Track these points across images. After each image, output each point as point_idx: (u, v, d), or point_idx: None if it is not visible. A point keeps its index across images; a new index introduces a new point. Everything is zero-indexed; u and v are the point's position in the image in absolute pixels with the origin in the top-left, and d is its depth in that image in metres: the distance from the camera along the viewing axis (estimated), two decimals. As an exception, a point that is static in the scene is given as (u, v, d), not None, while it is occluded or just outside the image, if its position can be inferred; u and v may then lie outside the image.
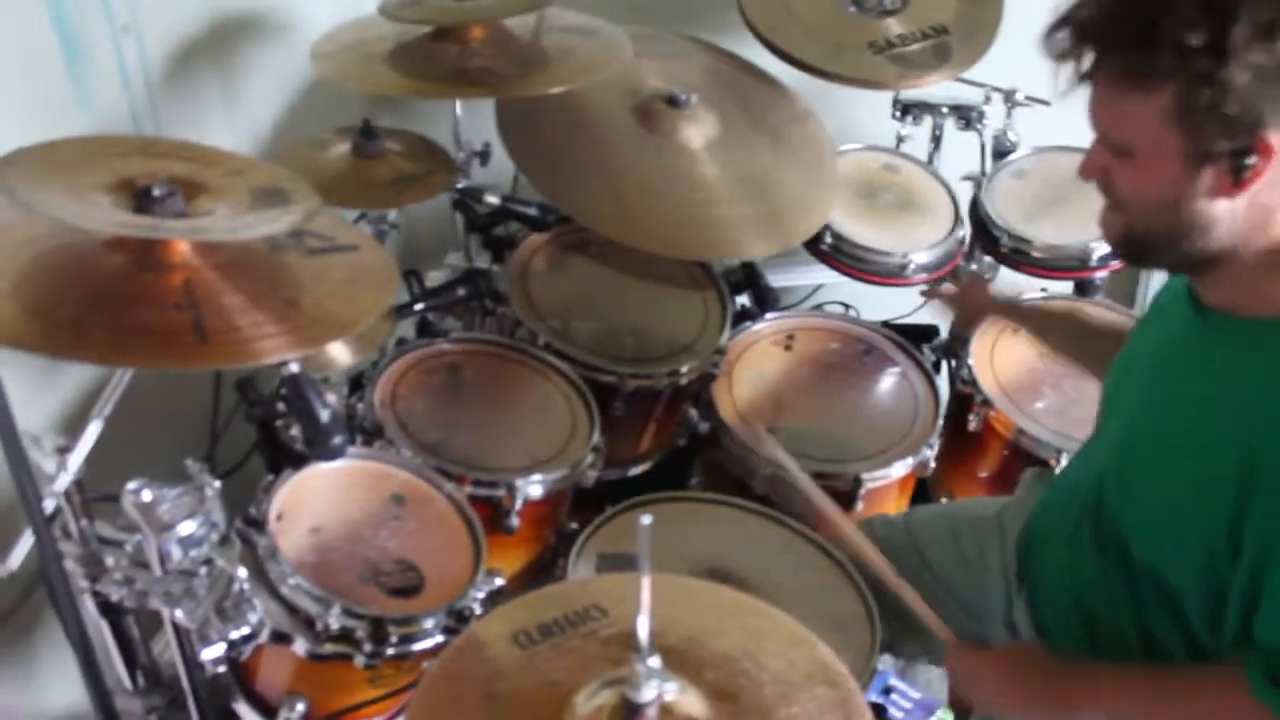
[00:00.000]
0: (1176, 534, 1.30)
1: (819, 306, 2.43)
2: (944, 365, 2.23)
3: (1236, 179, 1.16)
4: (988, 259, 2.30)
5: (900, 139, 2.38)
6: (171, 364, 1.18)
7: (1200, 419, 1.27)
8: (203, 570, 1.34)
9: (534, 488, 1.71)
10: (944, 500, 2.17)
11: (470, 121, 2.04)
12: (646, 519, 0.93)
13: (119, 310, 1.15)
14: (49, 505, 1.32)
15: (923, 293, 2.18)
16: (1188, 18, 1.10)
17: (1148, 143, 1.18)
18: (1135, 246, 1.29)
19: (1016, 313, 2.02)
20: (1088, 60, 1.18)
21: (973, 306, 2.04)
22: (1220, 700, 1.29)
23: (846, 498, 1.91)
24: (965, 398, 2.08)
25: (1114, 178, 1.25)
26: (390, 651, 1.41)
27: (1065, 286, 2.27)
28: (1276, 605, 1.22)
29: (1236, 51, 1.09)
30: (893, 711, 1.54)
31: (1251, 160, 1.14)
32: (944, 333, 2.29)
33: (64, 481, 1.32)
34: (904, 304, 2.40)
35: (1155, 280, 2.66)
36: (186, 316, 1.17)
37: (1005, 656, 1.50)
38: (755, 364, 2.10)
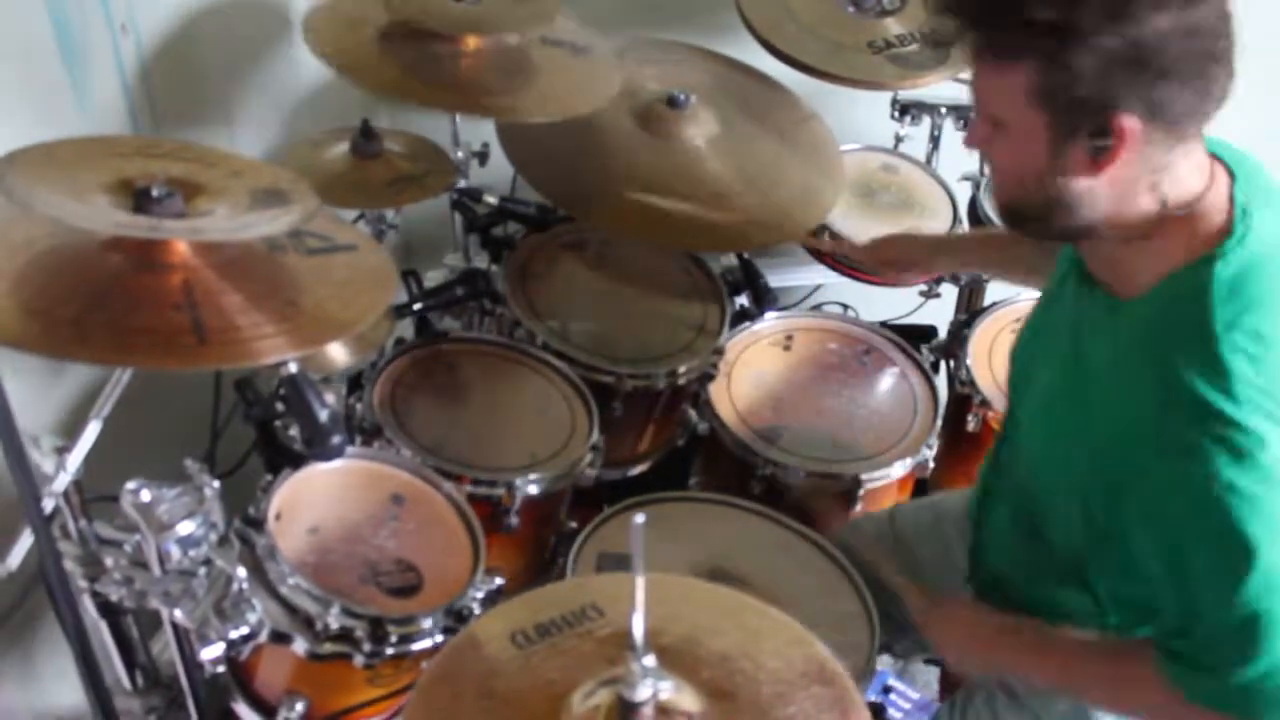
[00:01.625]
0: (1069, 509, 1.35)
1: (818, 307, 2.43)
2: (943, 365, 2.23)
3: (1094, 159, 1.17)
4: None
5: (899, 139, 2.38)
6: (170, 364, 1.18)
7: (1084, 393, 1.32)
8: (202, 570, 1.34)
9: (533, 487, 1.71)
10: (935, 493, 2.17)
11: (469, 122, 2.04)
12: (639, 518, 0.93)
13: (118, 310, 1.15)
14: (48, 505, 1.32)
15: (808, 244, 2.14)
16: None
17: (1016, 118, 1.20)
18: (1013, 217, 1.33)
19: (943, 246, 2.02)
20: (955, 30, 1.21)
21: (898, 259, 1.97)
22: (1136, 668, 1.32)
23: (846, 498, 1.91)
24: (964, 398, 2.08)
25: (991, 149, 1.28)
26: (389, 651, 1.41)
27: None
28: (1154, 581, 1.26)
29: (1084, 34, 1.10)
30: (891, 711, 1.55)
31: (1107, 142, 1.15)
32: (942, 332, 2.30)
33: (63, 481, 1.32)
34: (903, 304, 2.41)
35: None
36: (186, 317, 1.16)
37: (957, 608, 1.56)
38: (754, 364, 2.10)
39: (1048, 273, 1.50)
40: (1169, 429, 1.18)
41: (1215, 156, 1.24)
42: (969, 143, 1.33)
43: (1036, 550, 1.45)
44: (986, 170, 1.34)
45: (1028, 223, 1.31)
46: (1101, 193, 1.20)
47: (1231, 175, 1.24)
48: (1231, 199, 1.23)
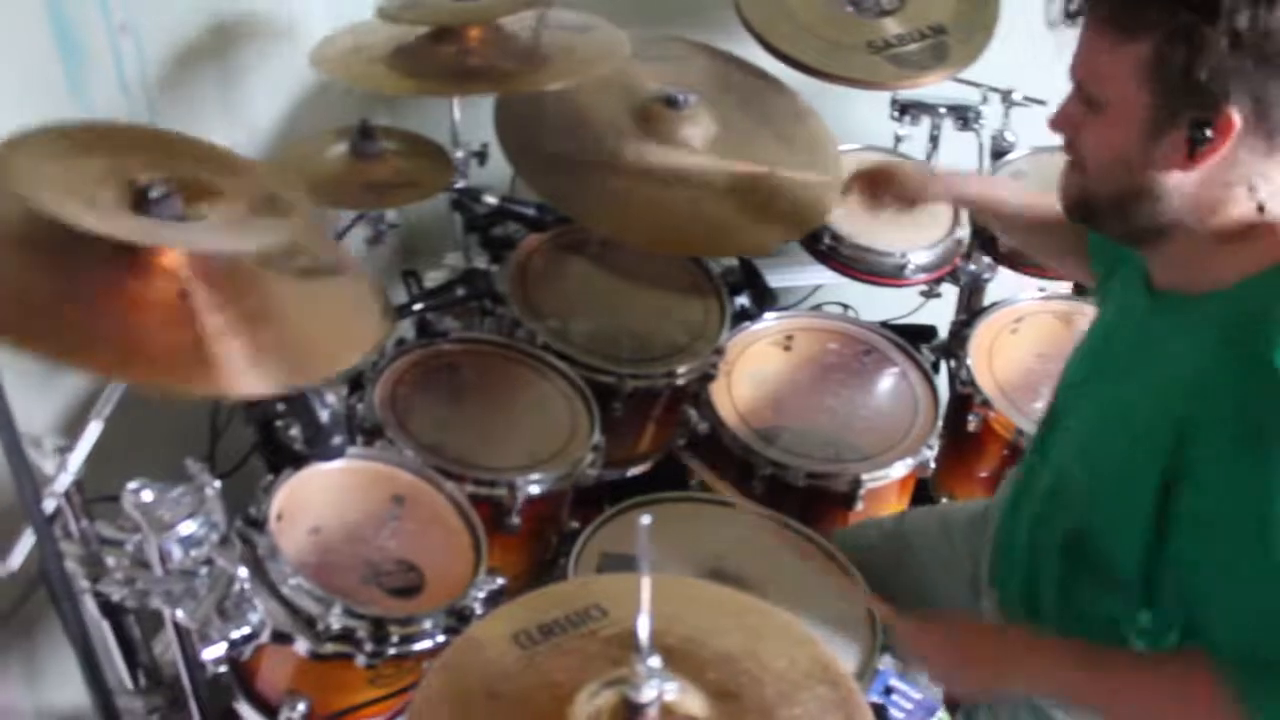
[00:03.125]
0: (1126, 521, 1.30)
1: (818, 307, 2.43)
2: (943, 366, 2.23)
3: (1191, 152, 1.15)
4: (986, 259, 2.30)
5: (898, 139, 2.38)
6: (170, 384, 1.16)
7: (1155, 402, 1.27)
8: (203, 570, 1.34)
9: (534, 487, 1.71)
10: (944, 501, 2.17)
11: (468, 122, 2.04)
12: (646, 519, 0.93)
13: (103, 316, 1.14)
14: (49, 505, 1.32)
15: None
16: None
17: (1118, 97, 1.18)
18: (1088, 209, 1.30)
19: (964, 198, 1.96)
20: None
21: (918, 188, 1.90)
22: (1184, 674, 1.27)
23: (846, 498, 1.91)
24: (964, 398, 2.08)
25: (1080, 132, 1.25)
26: (391, 651, 1.41)
27: (1064, 286, 2.28)
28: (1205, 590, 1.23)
29: (1224, 13, 1.08)
30: (894, 712, 1.54)
31: (1209, 134, 1.14)
32: (943, 332, 2.30)
33: (64, 482, 1.32)
34: (903, 304, 2.41)
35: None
36: (179, 335, 1.15)
37: (942, 623, 1.50)
38: (754, 364, 2.10)
39: (1079, 264, 1.48)
40: (1250, 416, 1.15)
41: None
42: (1055, 125, 1.29)
43: (1082, 564, 1.40)
44: (1066, 154, 1.29)
45: (1102, 216, 1.28)
46: (1189, 190, 1.18)
47: None
48: None
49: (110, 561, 1.38)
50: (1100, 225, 1.32)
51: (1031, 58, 2.23)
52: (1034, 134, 2.30)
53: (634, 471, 2.04)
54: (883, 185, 1.90)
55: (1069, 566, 1.43)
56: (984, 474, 2.10)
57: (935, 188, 1.88)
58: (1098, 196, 1.26)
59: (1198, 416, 1.19)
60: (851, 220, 2.18)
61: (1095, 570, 1.38)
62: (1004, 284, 2.35)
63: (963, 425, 2.07)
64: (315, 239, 1.38)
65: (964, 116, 2.33)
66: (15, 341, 1.08)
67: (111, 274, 1.17)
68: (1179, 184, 1.19)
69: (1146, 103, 1.16)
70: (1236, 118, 1.13)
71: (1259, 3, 1.08)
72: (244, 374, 1.16)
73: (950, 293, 2.36)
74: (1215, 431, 1.18)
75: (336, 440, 1.36)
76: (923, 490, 2.11)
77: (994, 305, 2.23)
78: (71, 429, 1.34)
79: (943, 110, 2.34)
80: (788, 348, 2.14)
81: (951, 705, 1.62)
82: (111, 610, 1.46)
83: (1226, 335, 1.20)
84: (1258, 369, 1.14)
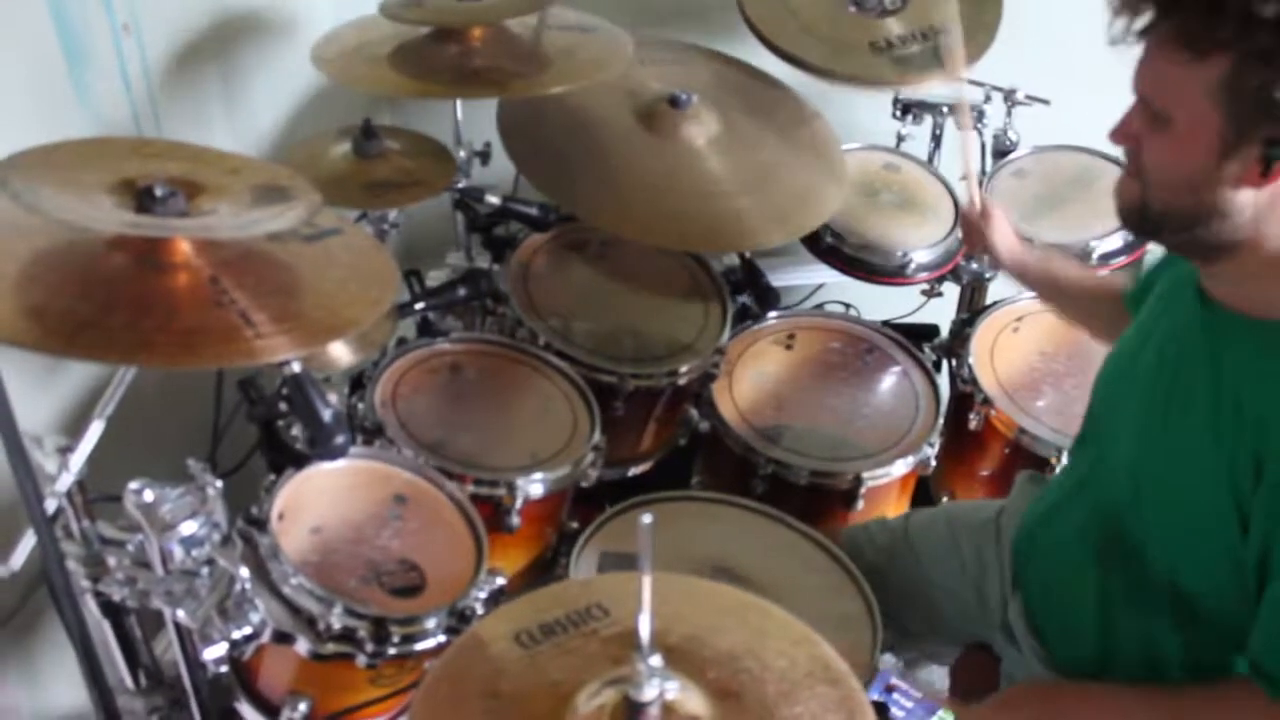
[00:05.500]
0: (1194, 538, 1.28)
1: (820, 306, 2.43)
2: (945, 364, 2.23)
3: (1265, 169, 1.13)
4: (988, 258, 2.30)
5: (900, 138, 2.38)
6: (223, 361, 1.18)
7: (1213, 419, 1.24)
8: (205, 570, 1.34)
9: (535, 487, 1.71)
10: (945, 499, 2.17)
11: (471, 121, 2.04)
12: (647, 518, 0.93)
13: (123, 310, 1.15)
14: (51, 505, 1.32)
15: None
16: None
17: (1186, 115, 1.15)
18: (1147, 221, 1.26)
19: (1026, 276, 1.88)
20: (1146, 16, 1.14)
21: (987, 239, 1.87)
22: (1239, 707, 1.27)
23: (847, 497, 1.91)
24: (966, 397, 2.08)
25: (1144, 146, 1.22)
26: (392, 651, 1.41)
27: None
28: (1268, 618, 1.22)
29: None
30: (895, 710, 1.54)
31: None
32: (945, 331, 2.29)
33: (66, 481, 1.32)
34: (905, 303, 2.40)
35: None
36: (229, 313, 1.17)
37: (1009, 694, 1.50)
38: (756, 363, 2.10)
39: (1112, 328, 1.48)
40: None
41: None
42: (1116, 138, 1.25)
43: (1127, 584, 1.39)
44: (1126, 163, 1.25)
45: (1165, 232, 1.26)
46: (1261, 208, 1.16)
47: None
48: None
49: (111, 561, 1.38)
50: (1158, 237, 1.29)
51: (1034, 57, 2.25)
52: (1037, 133, 2.31)
53: (635, 471, 2.04)
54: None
55: (1111, 584, 1.41)
56: (985, 473, 2.10)
57: (1002, 251, 1.86)
58: (1160, 211, 1.23)
59: (1267, 447, 1.18)
60: (853, 219, 2.18)
61: (1143, 590, 1.36)
62: (1006, 283, 2.34)
63: (964, 424, 2.06)
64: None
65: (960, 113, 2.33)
66: (77, 356, 1.11)
67: (139, 276, 1.19)
68: (1249, 201, 1.16)
69: (1219, 122, 1.13)
70: None
71: None
72: (283, 340, 1.18)
73: (952, 291, 2.36)
74: None
75: (338, 440, 1.36)
76: (924, 489, 2.11)
77: (996, 304, 2.23)
78: (73, 429, 1.34)
79: (945, 110, 2.33)
80: (789, 347, 2.14)
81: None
82: (112, 610, 1.46)
83: None
84: None
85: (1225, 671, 1.32)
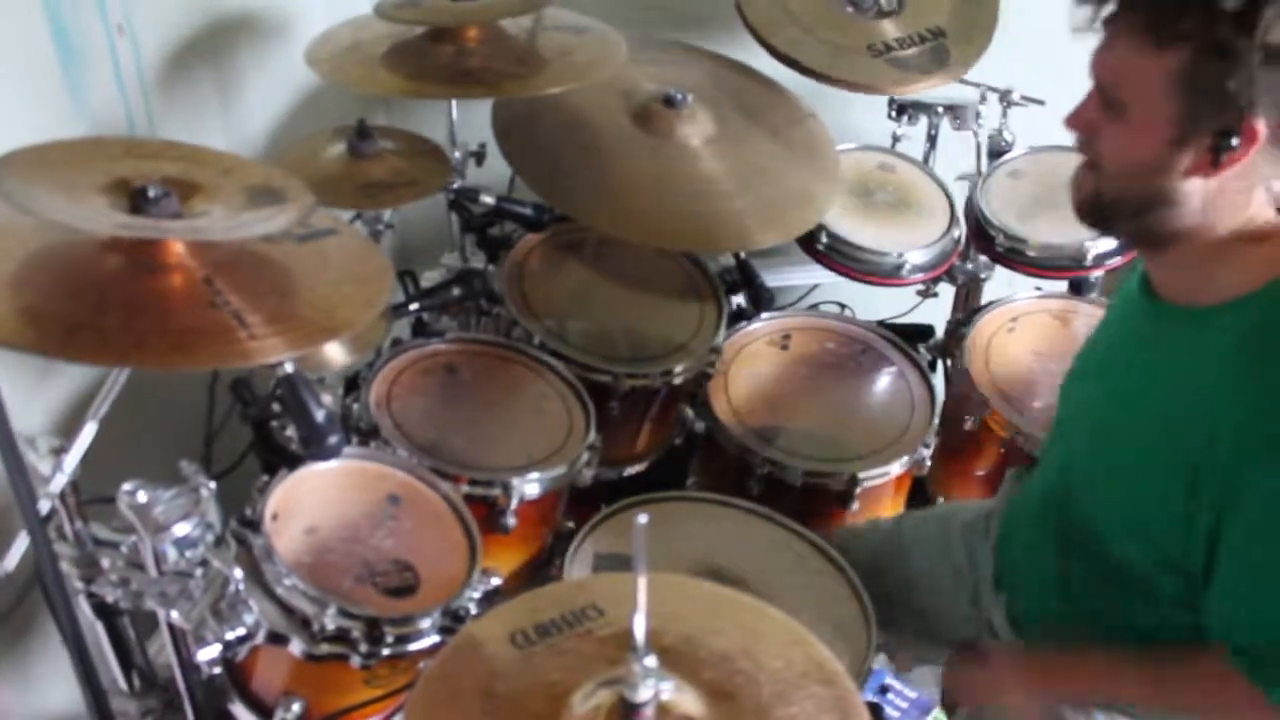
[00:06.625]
0: (1143, 523, 1.31)
1: (815, 306, 2.43)
2: (940, 365, 2.23)
3: (1216, 159, 1.15)
4: (983, 258, 2.30)
5: (896, 138, 2.38)
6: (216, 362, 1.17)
7: (1159, 409, 1.28)
8: (198, 571, 1.34)
9: (530, 487, 1.70)
10: (940, 500, 2.17)
11: (466, 122, 2.04)
12: (642, 518, 0.92)
13: (116, 311, 1.15)
14: (44, 507, 1.32)
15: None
16: None
17: (1143, 104, 1.18)
18: (1100, 211, 1.29)
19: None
20: (1112, 4, 1.17)
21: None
22: (1212, 668, 1.29)
23: (842, 497, 1.91)
24: (961, 397, 2.08)
25: (1099, 135, 1.24)
26: (386, 652, 1.41)
27: (1060, 285, 2.28)
28: (1224, 584, 1.24)
29: (1260, 28, 1.08)
30: (889, 711, 1.55)
31: (1234, 142, 1.14)
32: (940, 332, 2.30)
33: (59, 483, 1.32)
34: (900, 304, 2.41)
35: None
36: (223, 314, 1.17)
37: (994, 657, 1.51)
38: (751, 364, 2.10)
39: None
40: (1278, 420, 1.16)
41: None
42: (1071, 124, 1.28)
43: (1088, 568, 1.41)
44: (1081, 154, 1.28)
45: (1118, 220, 1.28)
46: (1209, 196, 1.19)
47: None
48: None
49: (105, 563, 1.38)
50: (1110, 227, 1.32)
51: (1029, 58, 2.25)
52: (1032, 134, 2.31)
53: (631, 471, 2.03)
54: None
55: (1072, 570, 1.44)
56: (980, 473, 2.10)
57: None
58: (1113, 199, 1.26)
59: (1220, 430, 1.19)
60: (848, 220, 2.18)
61: (1102, 574, 1.39)
62: (1001, 283, 2.35)
63: (959, 424, 2.06)
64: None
65: (962, 116, 2.33)
66: (71, 357, 1.10)
67: (132, 278, 1.18)
68: (1197, 191, 1.19)
69: (1173, 111, 1.16)
70: (1262, 127, 1.13)
71: None
72: (277, 341, 1.18)
73: (947, 292, 2.36)
74: (1243, 440, 1.18)
75: (332, 440, 1.36)
76: (919, 489, 2.11)
77: (991, 304, 2.23)
78: (67, 430, 1.34)
79: (941, 110, 2.34)
80: (785, 347, 2.14)
81: (949, 707, 1.62)
82: (106, 612, 1.46)
83: (1246, 343, 1.20)
84: None
85: None
